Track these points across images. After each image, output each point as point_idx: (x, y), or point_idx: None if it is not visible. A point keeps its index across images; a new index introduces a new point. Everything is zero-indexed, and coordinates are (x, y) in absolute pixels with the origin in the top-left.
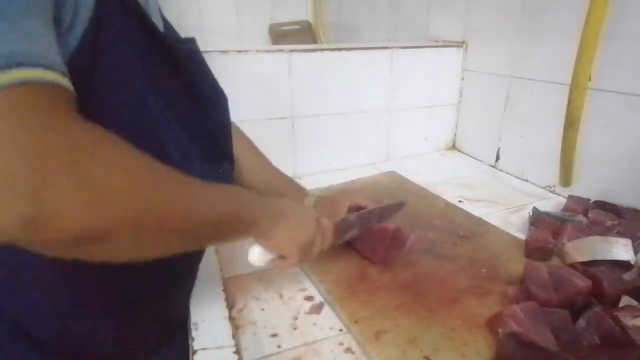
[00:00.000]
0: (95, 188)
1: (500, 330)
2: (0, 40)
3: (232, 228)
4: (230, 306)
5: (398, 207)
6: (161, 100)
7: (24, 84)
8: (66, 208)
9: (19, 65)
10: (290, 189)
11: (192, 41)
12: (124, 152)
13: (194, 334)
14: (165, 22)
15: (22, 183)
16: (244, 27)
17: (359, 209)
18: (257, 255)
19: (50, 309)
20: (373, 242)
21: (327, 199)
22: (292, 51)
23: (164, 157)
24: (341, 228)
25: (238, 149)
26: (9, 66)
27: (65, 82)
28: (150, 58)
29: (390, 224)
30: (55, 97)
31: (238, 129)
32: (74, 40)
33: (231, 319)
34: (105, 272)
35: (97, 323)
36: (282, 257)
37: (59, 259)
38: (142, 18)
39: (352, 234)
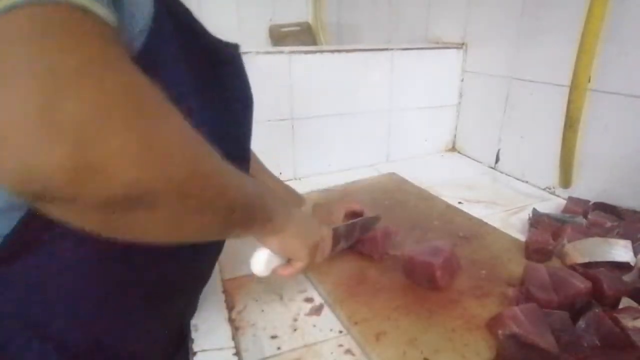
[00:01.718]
0: (150, 141)
1: (500, 331)
2: None
3: (255, 216)
4: (230, 307)
5: (376, 219)
6: (205, 112)
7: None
8: (118, 157)
9: None
10: (287, 195)
11: (235, 47)
12: (173, 110)
13: (193, 335)
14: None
15: (69, 122)
16: (244, 28)
17: (354, 214)
18: (264, 262)
19: (76, 313)
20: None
21: (324, 206)
22: (291, 52)
23: None
24: (335, 237)
25: None
26: None
27: (109, 14)
28: (200, 66)
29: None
30: (97, 27)
31: None
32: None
33: (231, 320)
34: (133, 273)
35: (124, 325)
36: (288, 263)
37: (88, 262)
38: (190, 22)
39: (341, 245)
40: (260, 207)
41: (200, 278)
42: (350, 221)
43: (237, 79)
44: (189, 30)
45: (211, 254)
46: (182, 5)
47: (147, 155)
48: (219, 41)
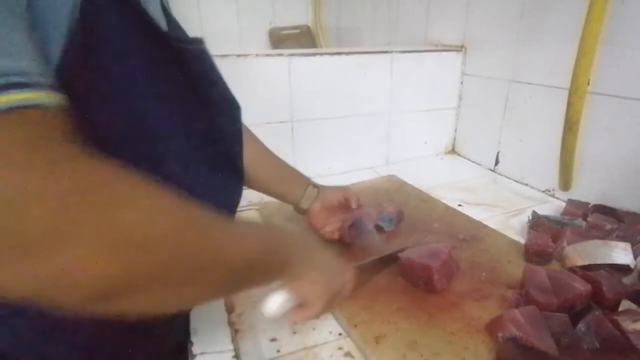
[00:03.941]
0: (115, 237)
1: (500, 334)
2: None
3: (265, 270)
4: (229, 310)
5: (402, 250)
6: (162, 107)
7: (13, 109)
8: (84, 263)
9: (4, 87)
10: (291, 178)
11: (198, 41)
12: (141, 192)
13: (192, 338)
14: (169, 18)
15: (29, 240)
16: (244, 31)
17: (346, 204)
18: (276, 306)
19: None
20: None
21: (328, 189)
22: (291, 55)
23: (161, 172)
24: (360, 275)
25: None
26: None
27: (58, 99)
28: (149, 59)
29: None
30: (50, 124)
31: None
32: (57, 43)
33: (230, 323)
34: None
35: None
36: (301, 306)
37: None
38: (139, 13)
39: (367, 278)
40: (268, 261)
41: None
42: (378, 256)
43: (206, 80)
44: (136, 18)
45: None
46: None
47: (111, 253)
48: (181, 36)
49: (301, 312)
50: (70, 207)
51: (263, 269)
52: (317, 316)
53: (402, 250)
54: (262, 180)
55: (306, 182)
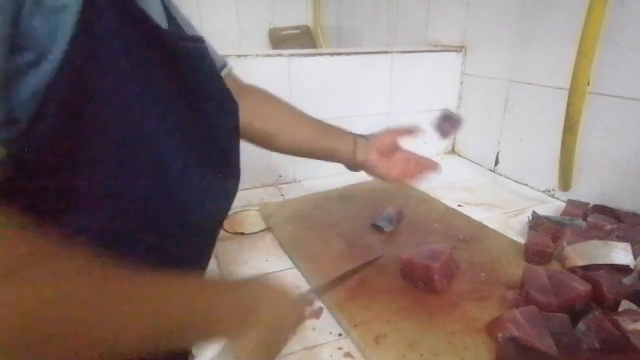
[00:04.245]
0: None
1: (499, 334)
2: None
3: (185, 334)
4: None
5: (373, 261)
6: (157, 105)
7: None
8: None
9: None
10: (337, 132)
11: (198, 39)
12: (33, 262)
13: None
14: (170, 17)
15: None
16: (244, 31)
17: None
18: (210, 356)
19: None
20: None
21: (375, 137)
22: (291, 55)
23: (160, 169)
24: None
25: (272, 120)
26: None
27: None
28: (147, 58)
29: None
30: None
31: (270, 97)
32: (57, 51)
33: None
34: None
35: None
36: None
37: None
38: (137, 12)
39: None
40: (186, 326)
41: None
42: (342, 273)
43: (203, 77)
44: (133, 18)
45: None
46: None
47: None
48: (179, 34)
49: None
50: None
51: (181, 334)
52: None
53: (371, 261)
54: (306, 140)
55: (351, 133)
